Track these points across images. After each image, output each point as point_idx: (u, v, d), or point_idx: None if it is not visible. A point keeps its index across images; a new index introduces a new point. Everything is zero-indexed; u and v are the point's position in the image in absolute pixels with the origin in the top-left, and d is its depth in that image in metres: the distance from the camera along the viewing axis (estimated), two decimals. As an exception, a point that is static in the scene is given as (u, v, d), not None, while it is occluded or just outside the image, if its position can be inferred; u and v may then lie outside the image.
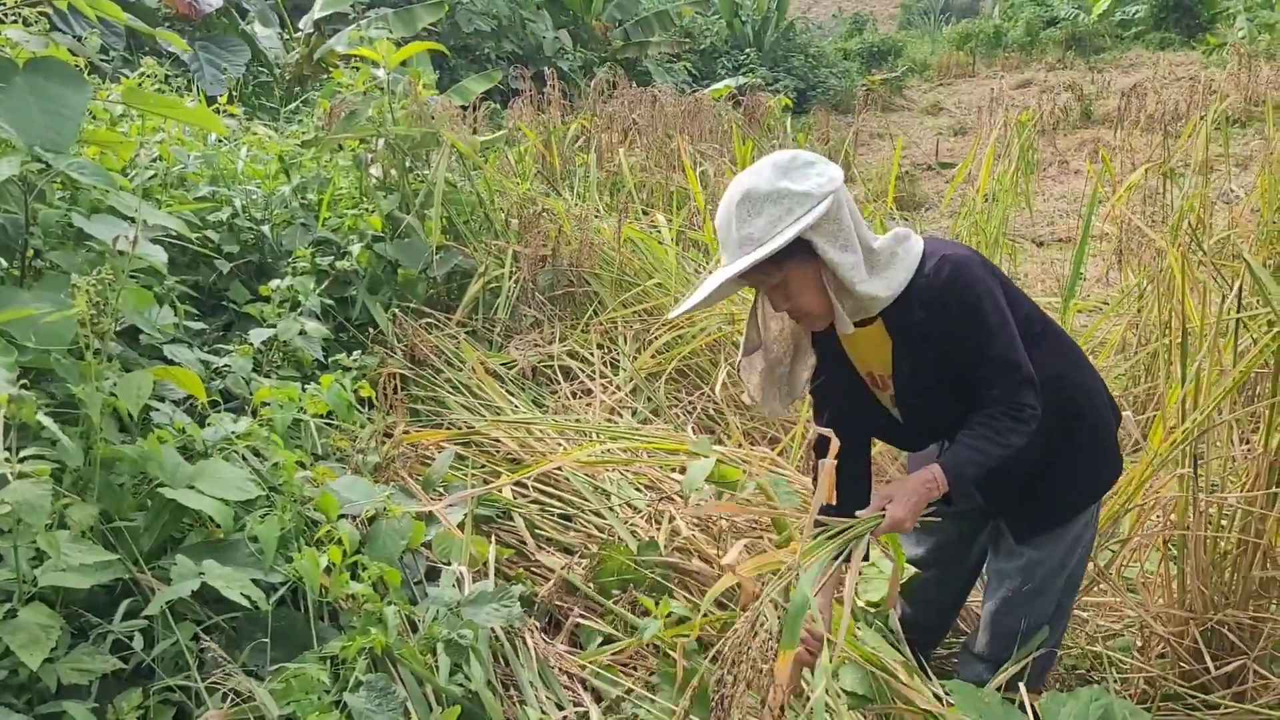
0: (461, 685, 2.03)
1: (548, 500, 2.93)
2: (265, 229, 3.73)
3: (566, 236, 4.51)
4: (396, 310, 3.91)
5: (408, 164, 4.39)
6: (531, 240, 4.38)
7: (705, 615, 2.22)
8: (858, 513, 1.88)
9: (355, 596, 2.10)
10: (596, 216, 5.02)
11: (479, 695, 2.00)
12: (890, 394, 2.00)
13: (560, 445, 3.20)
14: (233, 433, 2.28)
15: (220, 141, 4.22)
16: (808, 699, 1.89)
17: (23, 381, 1.81)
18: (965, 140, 10.98)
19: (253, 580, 1.89)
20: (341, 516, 2.29)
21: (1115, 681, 2.53)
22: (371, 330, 3.83)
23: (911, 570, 2.29)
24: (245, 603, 1.83)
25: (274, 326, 3.06)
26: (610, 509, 2.85)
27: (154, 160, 3.45)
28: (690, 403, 3.92)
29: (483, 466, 3.12)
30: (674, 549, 2.65)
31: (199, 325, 3.04)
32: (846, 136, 8.05)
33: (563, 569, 2.58)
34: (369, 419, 3.20)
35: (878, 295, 1.80)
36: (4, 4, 2.66)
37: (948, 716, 1.96)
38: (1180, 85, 10.03)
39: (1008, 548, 2.17)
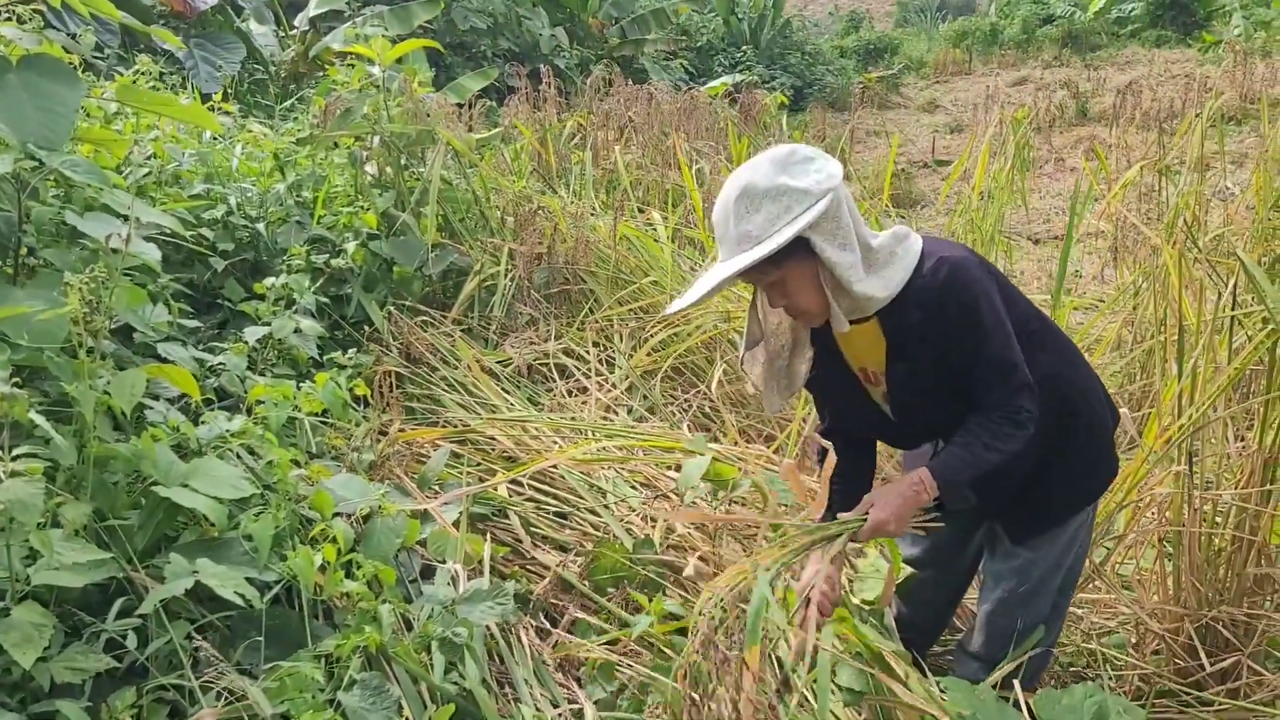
0: (456, 683, 2.03)
1: (543, 498, 2.93)
2: (260, 227, 3.72)
3: (562, 234, 4.51)
4: (392, 308, 3.91)
5: (403, 161, 4.39)
6: (527, 238, 4.38)
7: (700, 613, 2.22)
8: (840, 515, 1.89)
9: (350, 595, 2.10)
10: (592, 214, 5.01)
11: (474, 693, 2.00)
12: (882, 390, 2.00)
13: (556, 443, 3.20)
14: (227, 431, 2.28)
15: (215, 139, 4.21)
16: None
17: (15, 380, 1.81)
18: (961, 138, 10.98)
19: (247, 579, 1.89)
20: (336, 515, 2.29)
21: (1110, 678, 2.53)
22: (367, 328, 3.82)
23: (907, 570, 2.29)
24: (239, 601, 1.83)
25: (269, 324, 3.06)
26: (605, 507, 2.85)
27: (148, 158, 3.44)
28: (686, 401, 3.92)
29: (478, 464, 3.12)
30: (669, 547, 2.65)
31: (194, 323, 3.03)
32: (843, 134, 8.05)
33: (558, 566, 2.58)
34: (364, 417, 3.20)
35: (874, 295, 1.79)
36: (-3, 1, 2.66)
37: (943, 713, 1.96)
38: (1176, 83, 10.04)
39: (1004, 549, 2.17)
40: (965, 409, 1.92)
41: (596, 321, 4.25)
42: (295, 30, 9.49)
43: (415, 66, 5.14)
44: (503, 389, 3.72)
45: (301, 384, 2.74)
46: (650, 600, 2.32)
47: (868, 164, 9.40)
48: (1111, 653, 2.60)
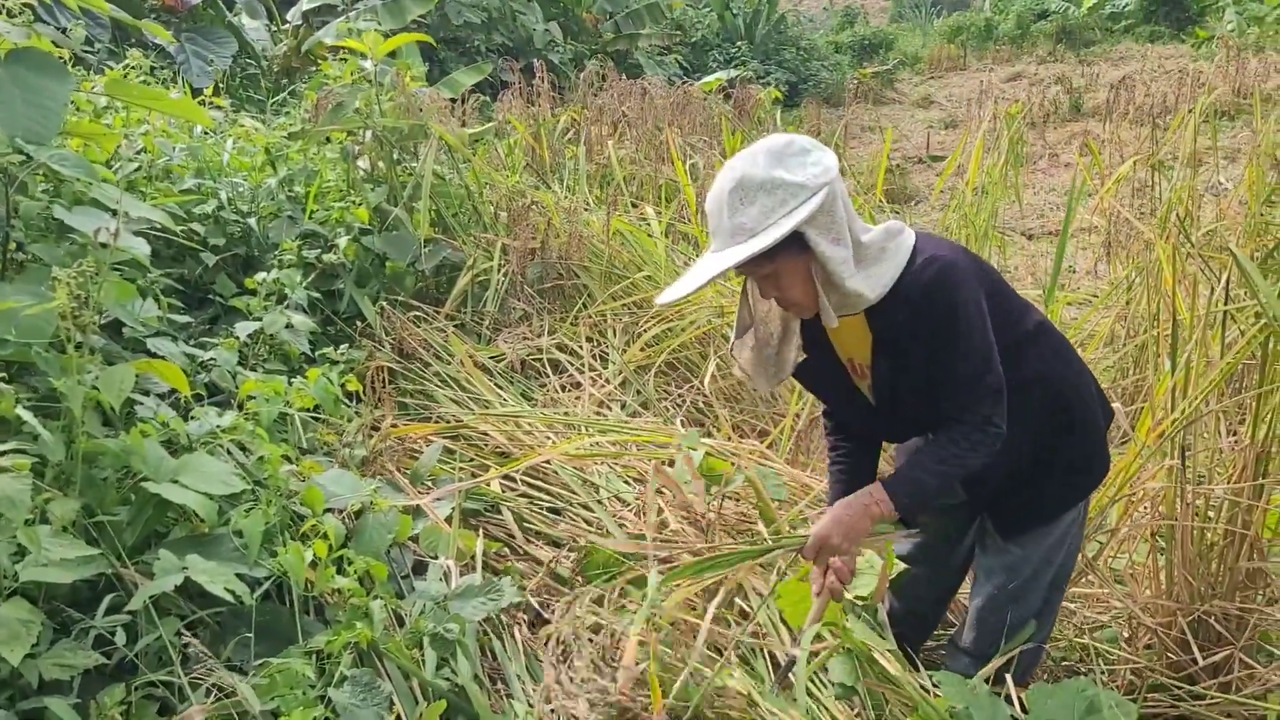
0: (448, 679, 2.02)
1: (536, 494, 2.93)
2: (252, 222, 3.71)
3: (556, 229, 4.50)
4: (384, 303, 3.90)
5: (396, 156, 4.38)
6: (520, 233, 4.37)
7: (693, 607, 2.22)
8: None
9: (341, 591, 2.09)
10: (586, 209, 5.00)
11: (465, 689, 1.99)
12: (869, 383, 2.00)
13: (549, 439, 3.19)
14: (217, 426, 2.27)
15: (206, 134, 4.19)
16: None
17: (3, 375, 1.80)
18: (956, 133, 10.99)
19: (237, 575, 1.89)
20: (328, 510, 2.28)
21: (1102, 673, 2.53)
22: (359, 323, 3.81)
23: (900, 566, 2.29)
24: (229, 598, 1.82)
25: (260, 320, 3.04)
26: (599, 502, 2.84)
27: (138, 153, 3.43)
28: (679, 396, 3.92)
29: (471, 460, 3.11)
30: (662, 542, 2.64)
31: (184, 319, 3.02)
32: (837, 129, 8.04)
33: (551, 562, 2.58)
34: (356, 413, 3.19)
35: (863, 293, 1.78)
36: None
37: (935, 706, 1.96)
38: (1169, 78, 10.05)
39: (995, 545, 2.16)
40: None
41: (590, 317, 4.24)
42: (287, 25, 9.46)
43: (408, 61, 5.13)
44: (496, 384, 3.71)
45: (293, 379, 2.73)
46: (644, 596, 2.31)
47: (862, 159, 9.40)
48: (1104, 647, 2.60)
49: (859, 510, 1.89)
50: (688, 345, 4.11)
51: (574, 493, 2.90)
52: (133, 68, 4.05)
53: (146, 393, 2.37)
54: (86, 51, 6.79)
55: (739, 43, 15.38)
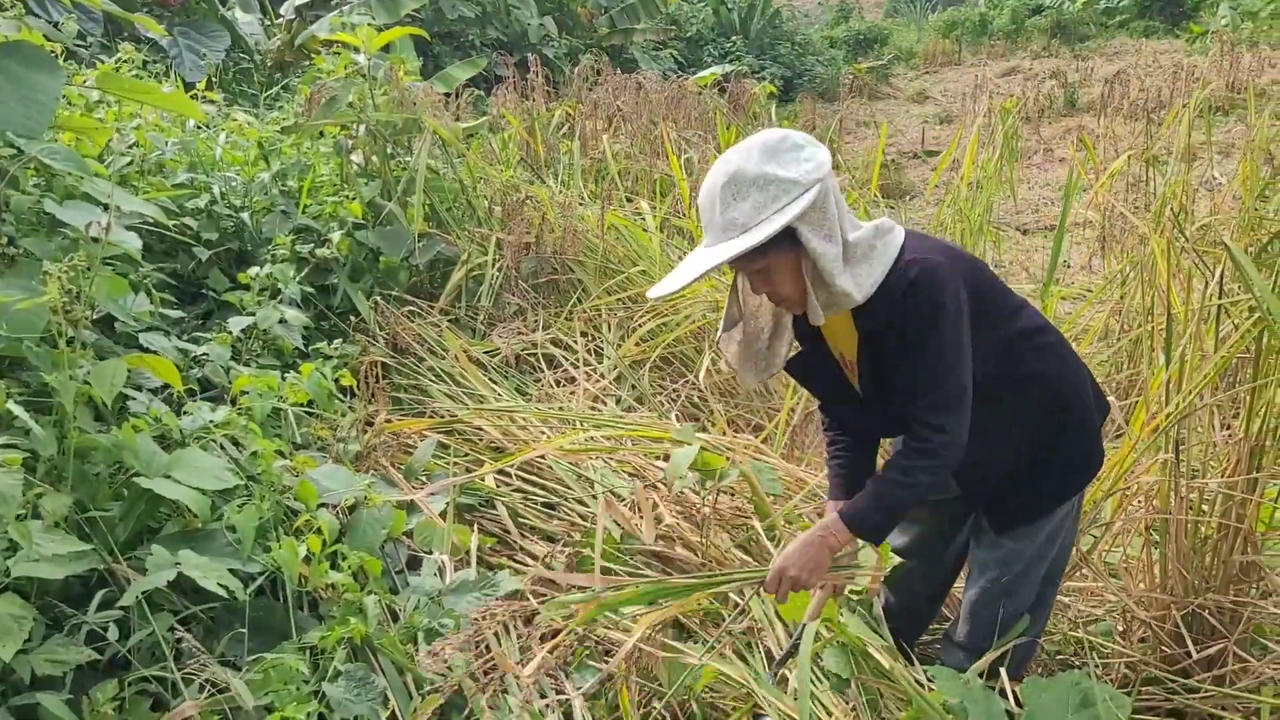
0: (442, 674, 2.02)
1: (531, 489, 2.92)
2: (245, 216, 3.70)
3: (550, 224, 4.49)
4: (378, 298, 3.88)
5: (389, 150, 4.36)
6: (515, 228, 4.36)
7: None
8: None
9: (335, 586, 2.09)
10: (580, 204, 4.99)
11: (460, 684, 1.99)
12: (857, 378, 2.00)
13: (544, 433, 3.18)
14: (211, 421, 2.27)
15: (199, 128, 4.17)
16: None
17: (-7, 370, 1.79)
18: (951, 128, 10.97)
19: (230, 570, 1.88)
20: (321, 505, 2.28)
21: (1096, 666, 2.53)
22: (353, 318, 3.80)
23: (895, 560, 2.29)
24: (222, 593, 1.82)
25: (253, 314, 3.03)
26: (594, 497, 2.84)
27: (130, 147, 3.41)
28: (674, 390, 3.91)
29: (465, 455, 3.11)
30: (657, 537, 2.64)
31: (177, 313, 3.01)
32: (832, 124, 8.05)
33: (545, 557, 2.57)
34: (350, 407, 3.18)
35: (850, 293, 1.78)
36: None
37: (929, 700, 1.96)
38: (1164, 73, 10.04)
39: (988, 539, 2.17)
40: None
41: (584, 311, 4.23)
42: (281, 18, 9.42)
43: (402, 55, 5.11)
44: (490, 379, 3.70)
45: (286, 374, 2.73)
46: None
47: (857, 154, 9.39)
48: (1098, 640, 2.60)
49: (815, 543, 1.91)
50: (683, 340, 4.10)
51: (569, 488, 2.89)
52: (125, 61, 4.03)
53: (139, 388, 2.36)
54: (79, 45, 6.76)
55: (734, 37, 15.35)
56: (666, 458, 2.90)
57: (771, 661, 2.16)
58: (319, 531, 2.11)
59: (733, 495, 2.85)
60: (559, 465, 2.95)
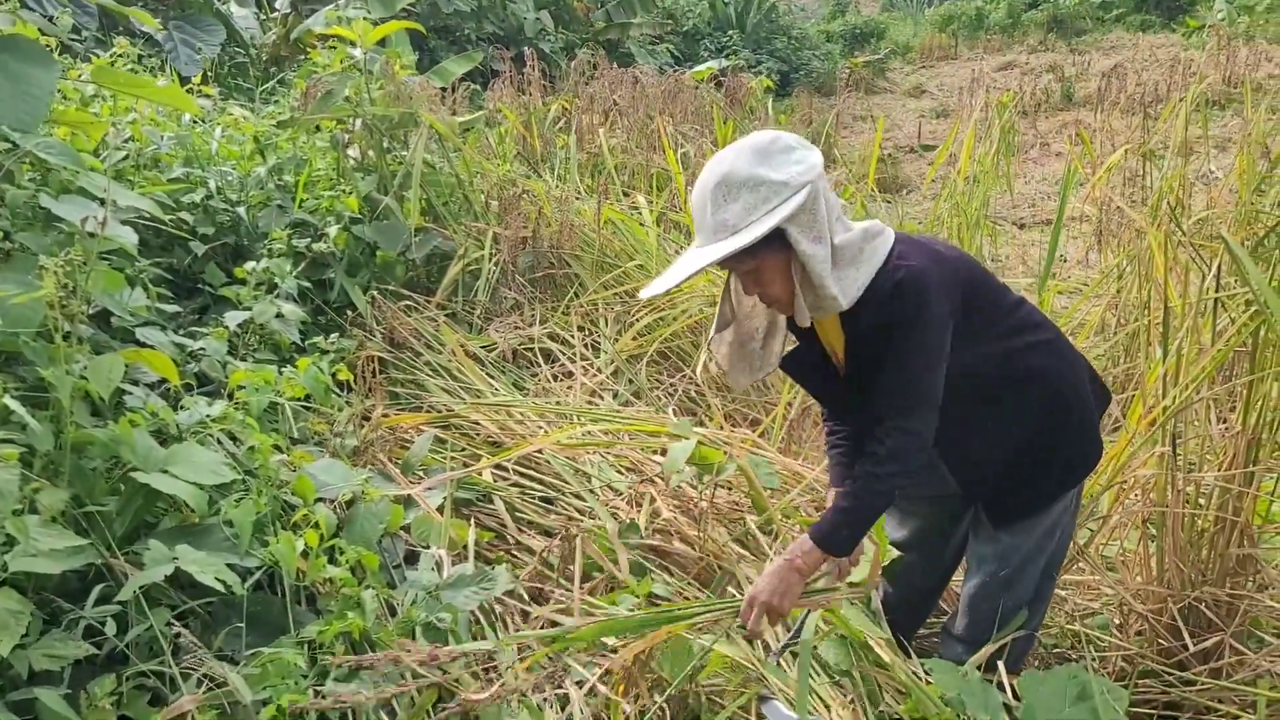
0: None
1: (528, 483, 2.92)
2: (241, 211, 3.69)
3: (547, 218, 4.48)
4: (375, 293, 3.88)
5: (386, 145, 4.35)
6: (512, 222, 4.35)
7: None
8: None
9: (332, 580, 2.08)
10: (577, 198, 4.99)
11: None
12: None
13: (541, 428, 3.18)
14: (207, 416, 2.26)
15: (195, 122, 4.16)
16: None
17: (-10, 365, 1.79)
18: (947, 122, 10.98)
19: (228, 565, 1.88)
20: (319, 500, 2.27)
21: (1094, 659, 2.54)
22: (350, 313, 3.80)
23: (894, 553, 2.29)
24: (220, 588, 1.82)
25: (250, 309, 3.03)
26: (591, 491, 2.84)
27: (126, 141, 3.40)
28: (671, 385, 3.91)
29: (462, 450, 3.11)
30: (654, 531, 2.64)
31: (174, 308, 3.00)
32: (828, 118, 8.03)
33: (543, 552, 2.57)
34: (347, 402, 3.17)
35: (836, 297, 1.78)
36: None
37: (928, 693, 1.97)
38: (1160, 67, 10.04)
39: (986, 533, 2.17)
40: None
41: (581, 306, 4.23)
42: (276, 13, 9.40)
43: (398, 49, 5.09)
44: (487, 374, 3.70)
45: (283, 369, 2.72)
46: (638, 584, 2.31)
47: (853, 149, 9.39)
48: (1095, 634, 2.61)
49: (783, 569, 1.90)
50: (680, 334, 4.10)
51: (566, 482, 2.89)
52: (120, 55, 4.01)
53: (135, 382, 2.35)
54: (73, 39, 6.74)
55: (730, 32, 15.33)
56: (664, 452, 2.90)
57: (769, 652, 2.16)
58: (316, 526, 2.10)
59: (730, 489, 2.85)
60: (556, 460, 2.95)
